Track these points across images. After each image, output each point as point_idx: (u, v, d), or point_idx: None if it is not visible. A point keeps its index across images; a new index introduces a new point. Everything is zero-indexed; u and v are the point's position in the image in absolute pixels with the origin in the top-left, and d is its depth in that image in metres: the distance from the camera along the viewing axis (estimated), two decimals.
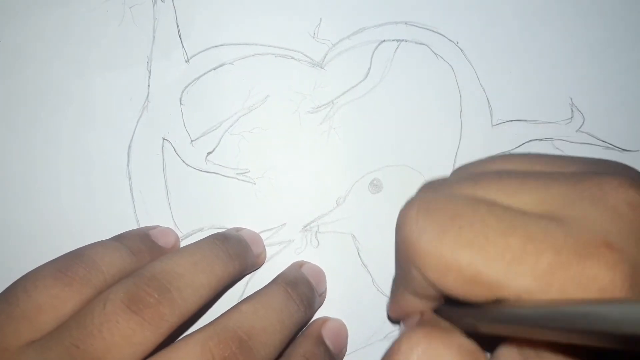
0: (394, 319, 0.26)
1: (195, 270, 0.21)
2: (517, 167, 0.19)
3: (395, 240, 0.18)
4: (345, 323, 0.26)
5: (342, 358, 0.26)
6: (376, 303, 0.26)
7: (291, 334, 0.22)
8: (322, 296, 0.26)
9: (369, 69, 0.26)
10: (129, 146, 0.26)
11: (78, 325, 0.19)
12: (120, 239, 0.23)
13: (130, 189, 0.26)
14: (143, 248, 0.23)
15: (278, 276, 0.25)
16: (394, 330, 0.26)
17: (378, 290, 0.26)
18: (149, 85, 0.26)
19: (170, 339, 0.20)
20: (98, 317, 0.19)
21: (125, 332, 0.19)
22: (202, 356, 0.19)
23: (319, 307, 0.26)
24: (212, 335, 0.20)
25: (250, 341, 0.20)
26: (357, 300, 0.26)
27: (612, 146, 0.27)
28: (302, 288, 0.24)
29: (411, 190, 0.26)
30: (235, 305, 0.22)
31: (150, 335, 0.19)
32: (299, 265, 0.26)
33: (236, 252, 0.23)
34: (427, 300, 0.19)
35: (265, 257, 0.26)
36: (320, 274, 0.26)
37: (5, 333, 0.20)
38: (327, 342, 0.25)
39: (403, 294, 0.19)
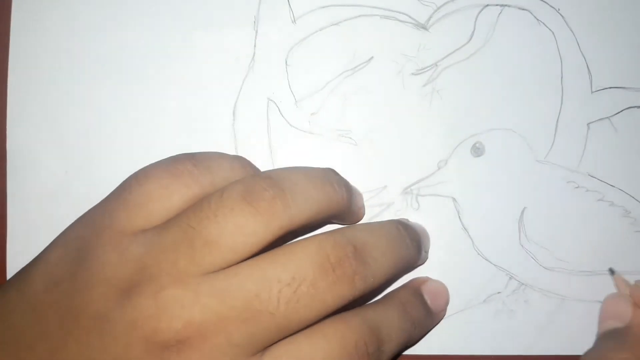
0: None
1: (309, 183, 0.21)
2: None
3: None
4: (447, 286, 0.26)
5: (440, 319, 0.26)
6: (476, 266, 0.26)
7: (399, 267, 0.22)
8: (426, 254, 0.26)
9: (473, 32, 0.26)
10: (235, 106, 0.26)
11: (195, 210, 0.19)
12: (237, 156, 0.23)
13: (235, 149, 0.26)
14: (255, 169, 0.23)
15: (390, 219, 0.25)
16: (493, 294, 0.26)
17: (478, 253, 0.26)
18: (255, 45, 0.26)
19: None
20: (215, 203, 0.19)
21: (239, 220, 0.19)
22: (318, 253, 0.20)
23: (422, 263, 0.26)
24: (329, 238, 0.20)
25: (363, 251, 0.21)
26: (457, 264, 0.26)
27: None
28: (412, 231, 0.24)
29: (513, 154, 0.27)
30: (351, 225, 0.21)
31: (262, 230, 0.19)
32: (405, 219, 0.26)
33: (346, 186, 0.23)
34: None
35: (364, 214, 0.26)
36: (426, 232, 0.26)
37: (119, 218, 0.20)
38: (426, 297, 0.25)
39: None
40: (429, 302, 0.25)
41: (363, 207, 0.26)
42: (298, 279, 0.19)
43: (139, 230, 0.20)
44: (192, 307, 0.18)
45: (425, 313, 0.25)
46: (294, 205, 0.20)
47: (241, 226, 0.19)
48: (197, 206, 0.20)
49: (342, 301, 0.20)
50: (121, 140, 0.26)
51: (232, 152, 0.26)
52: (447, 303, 0.26)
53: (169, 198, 0.20)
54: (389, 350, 0.22)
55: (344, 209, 0.23)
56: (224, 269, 0.19)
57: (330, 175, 0.22)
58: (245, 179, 0.20)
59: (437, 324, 0.26)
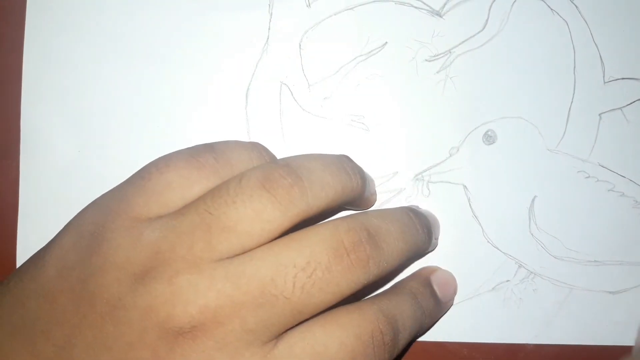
0: None
1: (325, 170, 0.21)
2: None
3: None
4: (455, 273, 0.26)
5: (448, 308, 0.26)
6: (486, 254, 0.26)
7: (411, 253, 0.22)
8: (436, 241, 0.26)
9: (487, 20, 0.27)
10: (248, 89, 0.26)
11: (213, 195, 0.19)
12: (254, 143, 0.23)
13: (248, 132, 0.26)
14: (272, 157, 0.23)
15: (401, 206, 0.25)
16: (502, 282, 0.27)
17: (488, 241, 0.26)
18: (269, 29, 0.26)
19: None
20: (233, 189, 0.19)
21: (257, 206, 0.19)
22: (332, 238, 0.20)
23: (432, 249, 0.26)
24: (343, 223, 0.20)
25: (377, 236, 0.21)
26: (466, 251, 0.26)
27: None
28: (422, 217, 0.24)
29: (525, 143, 0.27)
30: (363, 211, 0.22)
31: (280, 216, 0.19)
32: (415, 206, 0.26)
33: (359, 172, 0.23)
34: None
35: (376, 200, 0.26)
36: (436, 219, 0.26)
37: (136, 203, 0.20)
38: (435, 286, 0.25)
39: None
40: (437, 292, 0.25)
41: (375, 193, 0.26)
42: (313, 263, 0.19)
43: (155, 216, 0.20)
44: (207, 292, 0.18)
45: (435, 303, 0.25)
46: (311, 192, 0.20)
47: (259, 212, 0.19)
48: (216, 192, 0.20)
49: (356, 286, 0.20)
50: (134, 120, 0.26)
51: (244, 135, 0.26)
52: (455, 293, 0.26)
53: (189, 189, 0.20)
54: (403, 339, 0.22)
55: (358, 195, 0.23)
56: (240, 254, 0.19)
57: (345, 162, 0.22)
58: (263, 166, 0.20)
59: (445, 313, 0.26)
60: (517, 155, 0.27)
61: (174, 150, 0.25)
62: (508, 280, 0.27)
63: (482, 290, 0.27)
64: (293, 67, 0.26)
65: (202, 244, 0.19)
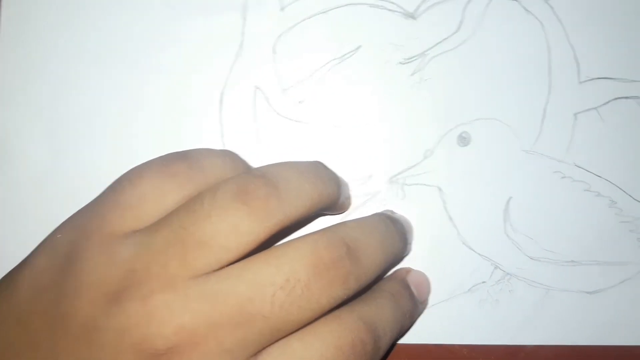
0: None
1: (301, 179, 0.21)
2: None
3: None
4: (430, 275, 0.26)
5: (424, 309, 0.26)
6: (461, 256, 0.27)
7: (389, 262, 0.22)
8: (410, 245, 0.26)
9: (461, 21, 0.26)
10: (222, 94, 0.26)
11: (187, 210, 0.19)
12: (225, 151, 0.23)
13: (222, 136, 0.26)
14: (244, 164, 0.23)
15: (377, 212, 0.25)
16: (478, 284, 0.27)
17: (463, 243, 0.26)
18: (243, 33, 0.26)
19: None
20: (208, 203, 0.19)
21: (233, 219, 0.19)
22: (312, 254, 0.19)
23: (407, 254, 0.26)
24: (322, 238, 0.20)
25: (356, 250, 0.20)
26: (442, 253, 0.27)
27: None
28: (398, 224, 0.24)
29: (500, 144, 0.27)
30: (341, 221, 0.22)
31: (257, 227, 0.19)
32: (390, 211, 0.26)
33: (334, 179, 0.23)
34: None
35: (351, 204, 0.26)
36: (410, 223, 0.26)
37: (110, 219, 0.20)
38: (412, 287, 0.25)
39: None
40: (414, 292, 0.25)
41: (350, 197, 0.26)
42: (292, 281, 0.19)
43: (130, 231, 0.20)
44: (182, 312, 0.18)
45: (414, 303, 0.25)
46: (288, 202, 0.20)
47: (236, 225, 0.19)
48: (190, 206, 0.19)
49: (336, 302, 0.20)
50: (108, 127, 0.26)
51: (218, 140, 0.26)
52: (429, 292, 0.26)
53: (163, 199, 0.20)
54: (385, 344, 0.22)
55: (333, 201, 0.23)
56: (217, 270, 0.19)
57: (320, 170, 0.22)
58: (238, 177, 0.20)
59: (421, 314, 0.26)
60: (491, 157, 0.27)
61: (149, 155, 0.26)
62: (484, 282, 0.27)
63: (457, 292, 0.27)
64: (267, 72, 0.26)
65: (176, 262, 0.18)
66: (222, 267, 0.19)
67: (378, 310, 0.22)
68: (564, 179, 0.27)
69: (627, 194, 0.27)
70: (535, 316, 0.27)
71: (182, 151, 0.22)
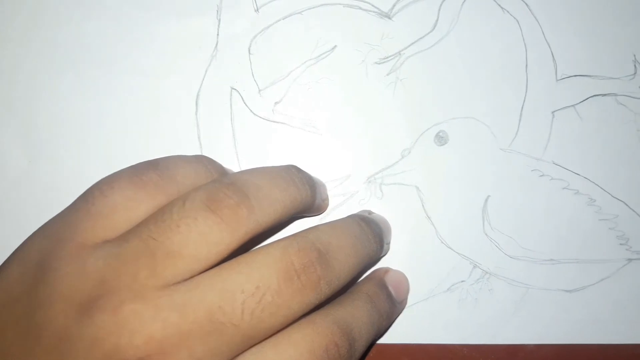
0: None
1: (272, 185, 0.21)
2: None
3: None
4: (409, 275, 0.26)
5: (403, 308, 0.26)
6: (440, 255, 0.26)
7: (363, 265, 0.22)
8: (388, 245, 0.26)
9: (436, 20, 0.26)
10: (198, 95, 0.26)
11: (156, 220, 0.19)
12: (199, 157, 0.23)
13: (199, 138, 0.26)
14: (218, 168, 0.23)
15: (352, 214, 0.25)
16: (457, 282, 0.26)
17: (442, 242, 0.26)
18: (218, 34, 0.26)
19: None
20: (177, 212, 0.19)
21: (202, 229, 0.19)
22: (282, 260, 0.19)
23: (384, 254, 0.26)
24: (293, 243, 0.20)
25: (327, 255, 0.20)
26: (421, 252, 0.26)
27: None
28: (373, 226, 0.24)
29: (477, 143, 0.27)
30: (313, 226, 0.22)
31: (227, 237, 0.19)
32: (367, 211, 0.26)
33: (308, 182, 0.23)
34: None
35: (328, 205, 0.26)
36: (387, 223, 0.26)
37: (82, 229, 0.20)
38: (390, 287, 0.25)
39: None
40: (392, 292, 0.25)
41: (327, 198, 0.26)
42: (262, 288, 0.19)
43: (101, 241, 0.20)
44: (152, 322, 0.18)
45: (391, 304, 0.25)
46: (259, 209, 0.20)
47: (205, 235, 0.19)
48: (159, 216, 0.19)
49: (308, 307, 0.20)
50: (84, 130, 0.26)
51: (195, 142, 0.26)
52: (408, 292, 0.26)
53: (134, 209, 0.20)
54: (361, 346, 0.22)
55: (308, 205, 0.23)
56: (187, 279, 0.19)
57: (293, 174, 0.22)
58: (207, 186, 0.20)
59: (400, 314, 0.26)
60: (469, 156, 0.26)
61: (125, 159, 0.26)
62: (463, 281, 0.27)
63: (437, 291, 0.27)
64: (243, 72, 0.26)
65: (146, 272, 0.18)
66: (193, 276, 0.19)
67: (354, 313, 0.22)
68: (542, 177, 0.26)
69: (605, 191, 0.27)
70: (515, 315, 0.26)
71: (153, 160, 0.22)
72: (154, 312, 0.18)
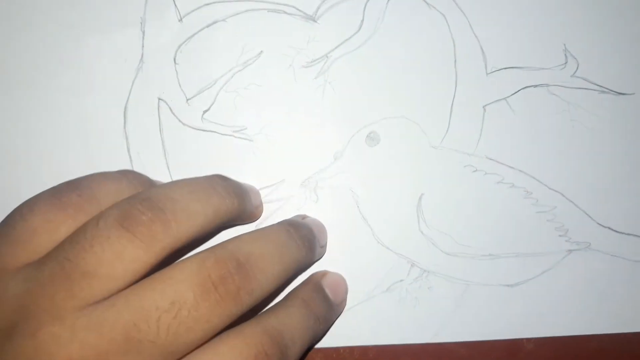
0: None
1: (191, 198, 0.21)
2: None
3: None
4: (347, 277, 0.26)
5: (342, 310, 0.26)
6: (377, 255, 0.26)
7: (290, 272, 0.22)
8: (323, 249, 0.26)
9: (362, 20, 0.26)
10: (125, 107, 0.26)
11: (71, 241, 0.19)
12: (123, 172, 0.23)
13: (128, 150, 0.26)
14: (144, 182, 0.23)
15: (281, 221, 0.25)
16: (396, 282, 0.26)
17: (379, 242, 0.26)
18: (143, 46, 0.26)
19: None
20: (90, 232, 0.19)
21: (116, 247, 0.19)
22: (199, 274, 0.19)
23: (319, 258, 0.26)
24: (210, 256, 0.20)
25: (247, 264, 0.20)
26: (358, 254, 0.26)
27: (608, 90, 0.27)
28: (303, 230, 0.24)
29: (408, 142, 0.26)
30: (235, 236, 0.21)
31: (143, 254, 0.19)
32: (301, 216, 0.26)
33: (235, 191, 0.22)
34: None
35: (263, 211, 0.26)
36: (321, 226, 0.26)
37: (3, 254, 0.20)
38: (327, 290, 0.25)
39: None
40: (330, 295, 0.25)
41: (261, 204, 0.26)
42: (178, 303, 0.19)
43: (22, 265, 0.20)
44: (70, 344, 0.18)
45: (328, 307, 0.25)
46: (176, 224, 0.20)
47: (119, 253, 0.19)
48: (74, 237, 0.19)
49: (229, 319, 0.20)
50: (13, 146, 0.26)
51: (125, 155, 0.26)
52: (346, 293, 0.26)
53: (55, 231, 0.20)
54: (294, 353, 0.22)
55: (236, 214, 0.23)
56: (106, 299, 0.19)
57: (216, 184, 0.22)
58: (121, 203, 0.20)
59: (339, 315, 0.26)
60: (401, 155, 0.26)
61: (55, 177, 0.26)
62: (402, 280, 0.26)
63: (376, 292, 0.26)
64: (169, 83, 0.26)
65: (63, 294, 0.18)
66: (111, 295, 0.19)
67: (286, 320, 0.22)
68: (476, 172, 0.26)
69: (542, 183, 0.26)
70: (456, 312, 0.26)
71: (75, 180, 0.22)
72: (71, 333, 0.18)
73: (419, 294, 0.26)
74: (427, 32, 0.26)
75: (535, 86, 0.27)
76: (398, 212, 0.26)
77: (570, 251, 0.27)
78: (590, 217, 0.27)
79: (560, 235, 0.27)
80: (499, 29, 0.27)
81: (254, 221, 0.26)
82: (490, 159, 0.26)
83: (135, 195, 0.21)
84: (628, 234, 0.27)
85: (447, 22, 0.26)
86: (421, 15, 0.26)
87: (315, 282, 0.25)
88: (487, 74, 0.27)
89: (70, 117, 0.26)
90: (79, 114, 0.26)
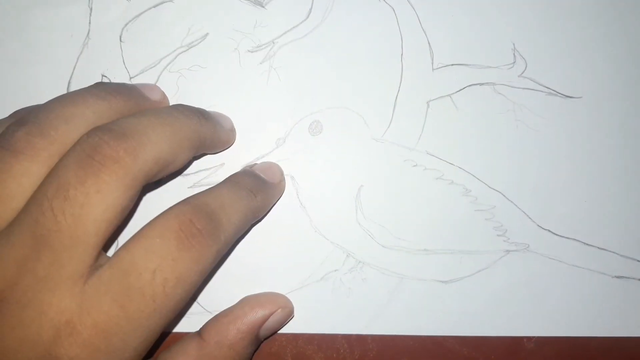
0: None
1: (156, 124, 0.21)
2: None
3: None
4: (283, 264, 0.26)
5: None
6: (314, 244, 0.26)
7: (247, 218, 0.23)
8: (280, 184, 0.26)
9: (311, 9, 0.26)
10: (69, 82, 0.26)
11: (35, 202, 0.19)
12: (86, 92, 0.22)
13: None
14: (125, 95, 0.22)
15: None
16: (330, 271, 0.26)
17: (316, 231, 0.26)
18: (89, 22, 0.26)
19: None
20: (52, 193, 0.19)
21: (80, 200, 0.19)
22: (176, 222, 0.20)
23: (279, 195, 0.26)
24: (183, 208, 0.21)
25: (213, 214, 0.21)
26: (295, 241, 0.26)
27: (555, 92, 0.27)
28: (247, 179, 0.24)
29: (350, 133, 0.26)
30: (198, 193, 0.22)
31: (114, 194, 0.19)
32: (249, 166, 0.26)
33: (198, 112, 0.23)
34: None
35: (236, 136, 0.26)
36: (270, 167, 0.26)
37: None
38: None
39: None
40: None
41: (234, 129, 0.26)
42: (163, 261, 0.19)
43: None
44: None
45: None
46: (143, 153, 0.20)
47: (89, 205, 0.19)
48: (37, 197, 0.19)
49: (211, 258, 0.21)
50: None
51: None
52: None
53: (19, 185, 0.19)
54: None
55: (209, 138, 0.23)
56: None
57: (187, 110, 0.22)
58: (79, 151, 0.19)
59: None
60: (343, 146, 0.26)
61: None
62: (336, 270, 0.26)
63: (310, 280, 0.26)
64: (114, 60, 0.26)
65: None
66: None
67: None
68: (416, 167, 0.26)
69: (482, 182, 0.26)
70: (389, 305, 0.26)
71: (26, 113, 0.21)
72: (81, 300, 0.19)
73: (353, 284, 0.26)
74: (375, 24, 0.26)
75: (481, 84, 0.27)
76: (337, 202, 0.26)
77: (508, 251, 0.27)
78: (530, 218, 0.27)
79: (498, 235, 0.27)
80: (448, 25, 0.27)
81: (228, 147, 0.26)
82: (431, 155, 0.26)
83: (101, 127, 0.20)
84: (568, 238, 0.27)
85: (395, 15, 0.26)
86: (370, 7, 0.26)
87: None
88: (433, 69, 0.27)
89: (13, 87, 0.26)
90: (22, 85, 0.26)
